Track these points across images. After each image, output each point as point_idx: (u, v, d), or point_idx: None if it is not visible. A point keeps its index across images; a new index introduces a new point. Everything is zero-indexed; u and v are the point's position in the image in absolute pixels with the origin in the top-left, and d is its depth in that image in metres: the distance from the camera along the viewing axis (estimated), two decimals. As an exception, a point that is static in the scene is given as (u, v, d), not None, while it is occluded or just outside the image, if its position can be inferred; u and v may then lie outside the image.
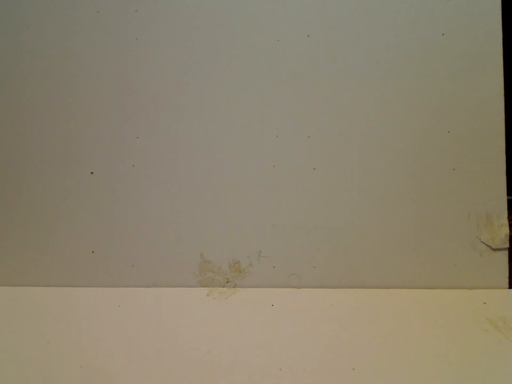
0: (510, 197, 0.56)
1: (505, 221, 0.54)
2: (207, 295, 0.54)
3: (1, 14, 0.57)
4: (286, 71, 0.55)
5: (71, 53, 0.56)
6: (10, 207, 0.57)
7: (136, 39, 0.55)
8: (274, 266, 0.54)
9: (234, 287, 0.54)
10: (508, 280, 0.54)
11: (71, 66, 0.56)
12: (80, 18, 0.56)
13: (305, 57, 0.55)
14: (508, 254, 0.55)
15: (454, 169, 0.54)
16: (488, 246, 0.53)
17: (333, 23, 0.54)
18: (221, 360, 0.43)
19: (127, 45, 0.56)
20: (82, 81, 0.55)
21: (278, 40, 0.55)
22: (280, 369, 0.42)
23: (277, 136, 0.55)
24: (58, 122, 0.56)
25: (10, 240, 0.56)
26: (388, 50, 0.54)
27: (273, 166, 0.55)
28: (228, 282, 0.54)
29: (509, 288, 0.54)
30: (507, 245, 0.54)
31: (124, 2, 0.56)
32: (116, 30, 0.56)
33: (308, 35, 0.55)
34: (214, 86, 0.56)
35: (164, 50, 0.55)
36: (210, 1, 0.55)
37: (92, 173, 0.57)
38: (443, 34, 0.53)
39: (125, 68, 0.56)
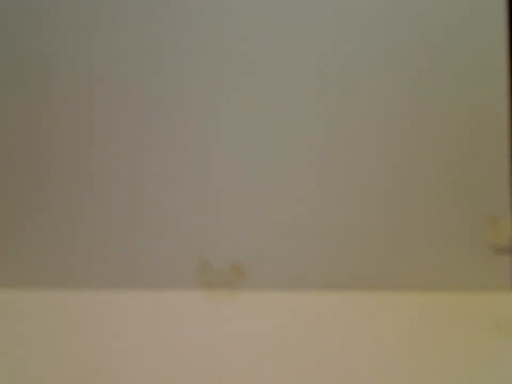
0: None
1: (510, 221, 0.54)
2: (207, 297, 0.53)
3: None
4: (288, 70, 0.55)
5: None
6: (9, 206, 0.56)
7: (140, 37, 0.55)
8: (276, 268, 0.53)
9: (234, 288, 0.54)
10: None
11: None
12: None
13: (306, 57, 0.55)
14: (512, 255, 0.55)
15: (456, 169, 0.54)
16: (492, 247, 0.54)
17: (335, 21, 0.55)
18: (221, 365, 0.43)
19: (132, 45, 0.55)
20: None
21: (278, 39, 0.55)
22: (283, 374, 0.41)
23: (278, 136, 0.55)
24: (57, 122, 0.56)
25: (8, 240, 0.56)
26: (389, 46, 0.55)
27: (275, 166, 0.55)
28: (228, 283, 0.54)
29: (513, 289, 0.55)
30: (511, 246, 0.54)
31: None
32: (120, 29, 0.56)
33: (307, 34, 0.55)
34: (214, 85, 0.56)
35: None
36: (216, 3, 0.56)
37: (89, 171, 0.56)
38: (445, 31, 0.54)
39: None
